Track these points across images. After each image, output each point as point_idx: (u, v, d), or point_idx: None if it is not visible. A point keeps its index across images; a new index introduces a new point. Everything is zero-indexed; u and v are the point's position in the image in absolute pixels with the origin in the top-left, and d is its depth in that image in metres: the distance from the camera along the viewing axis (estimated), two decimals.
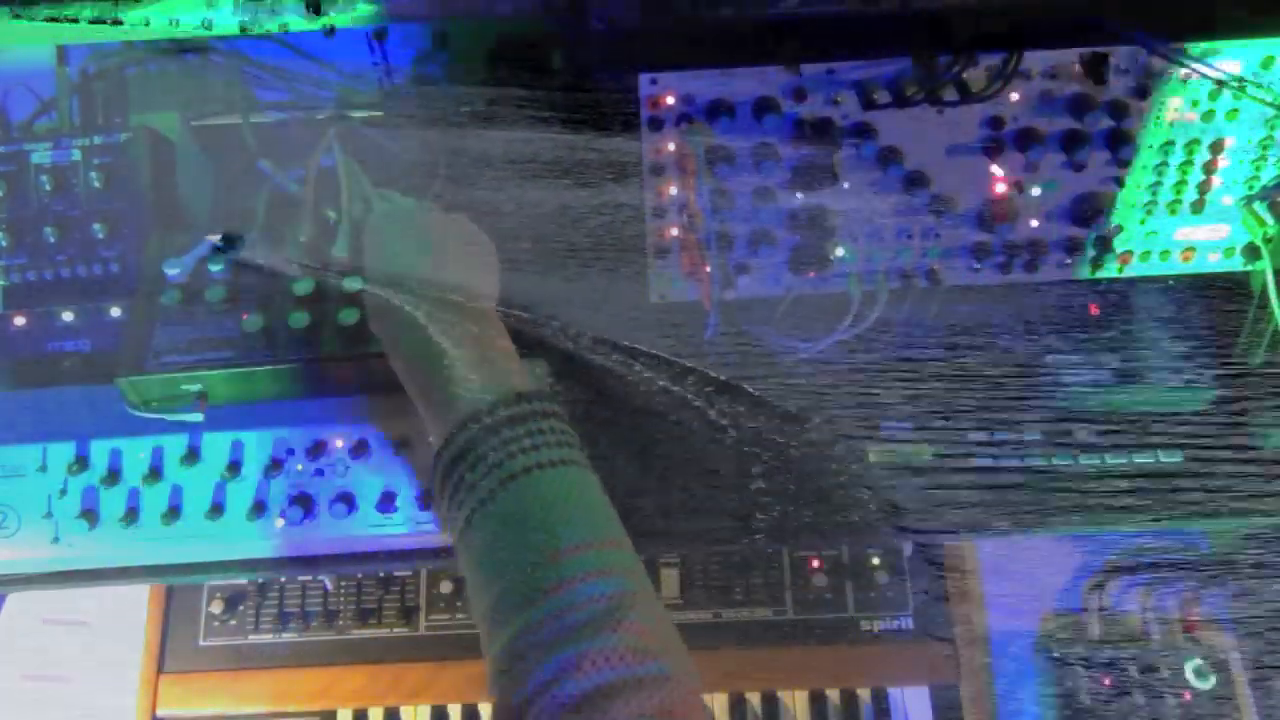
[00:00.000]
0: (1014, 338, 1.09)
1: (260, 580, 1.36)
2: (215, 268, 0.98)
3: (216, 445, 1.01)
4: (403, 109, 1.08)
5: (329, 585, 1.35)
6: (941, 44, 0.92)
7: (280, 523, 0.99)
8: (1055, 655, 1.32)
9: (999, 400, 1.10)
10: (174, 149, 1.07)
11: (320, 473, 1.00)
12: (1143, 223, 1.01)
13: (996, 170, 0.98)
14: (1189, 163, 0.97)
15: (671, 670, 0.63)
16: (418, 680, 1.33)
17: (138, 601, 1.39)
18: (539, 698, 0.61)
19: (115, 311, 1.02)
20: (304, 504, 0.99)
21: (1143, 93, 0.94)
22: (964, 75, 0.93)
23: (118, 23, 0.78)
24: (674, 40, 0.90)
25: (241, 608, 1.37)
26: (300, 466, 1.00)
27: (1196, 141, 0.96)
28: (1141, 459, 1.07)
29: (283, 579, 1.36)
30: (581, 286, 1.10)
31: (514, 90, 1.04)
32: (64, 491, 1.00)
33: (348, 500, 0.99)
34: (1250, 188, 0.98)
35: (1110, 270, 1.04)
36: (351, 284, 0.98)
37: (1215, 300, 1.08)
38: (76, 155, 1.02)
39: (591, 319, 1.09)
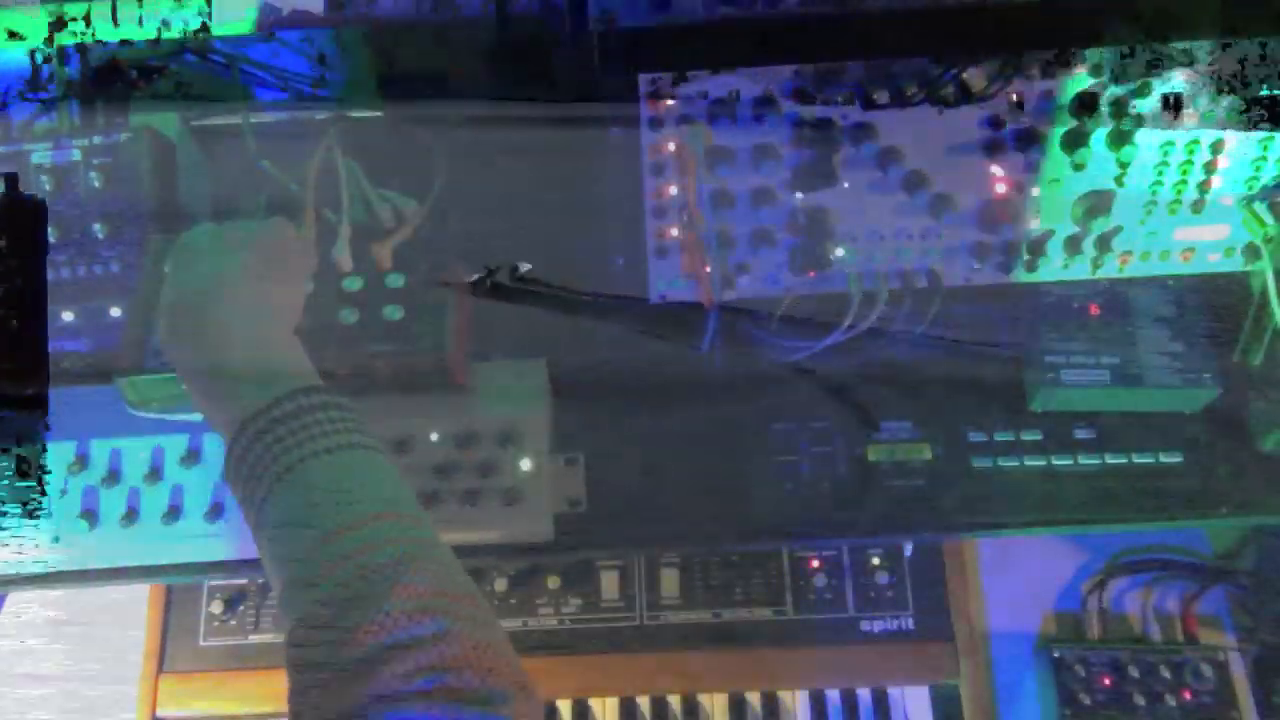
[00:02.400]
0: (1014, 338, 1.09)
1: (260, 580, 1.36)
2: None
3: (216, 445, 1.01)
4: (403, 110, 1.08)
5: None
6: (942, 44, 0.92)
7: None
8: (1055, 655, 1.32)
9: (999, 400, 1.10)
10: (174, 149, 1.07)
11: None
12: (1143, 223, 1.01)
13: (996, 170, 0.98)
14: (1189, 163, 0.97)
15: (450, 625, 0.66)
16: None
17: (138, 601, 1.39)
18: (323, 675, 0.65)
19: (115, 311, 1.02)
20: None
21: (1142, 93, 0.94)
22: (964, 75, 0.93)
23: None
24: (674, 40, 0.90)
25: (241, 608, 1.37)
26: None
27: (1196, 141, 0.96)
28: (1141, 459, 1.07)
29: None
30: (582, 287, 1.10)
31: (514, 91, 1.04)
32: (64, 491, 1.00)
33: None
34: (1250, 188, 0.98)
35: (1110, 270, 1.04)
36: (351, 284, 0.98)
37: (1215, 300, 1.07)
38: (76, 155, 1.02)
39: (592, 318, 1.09)
